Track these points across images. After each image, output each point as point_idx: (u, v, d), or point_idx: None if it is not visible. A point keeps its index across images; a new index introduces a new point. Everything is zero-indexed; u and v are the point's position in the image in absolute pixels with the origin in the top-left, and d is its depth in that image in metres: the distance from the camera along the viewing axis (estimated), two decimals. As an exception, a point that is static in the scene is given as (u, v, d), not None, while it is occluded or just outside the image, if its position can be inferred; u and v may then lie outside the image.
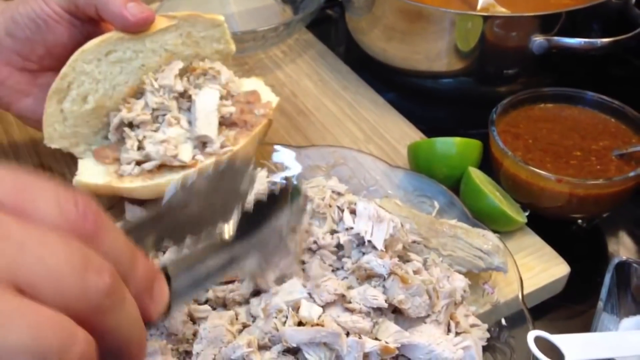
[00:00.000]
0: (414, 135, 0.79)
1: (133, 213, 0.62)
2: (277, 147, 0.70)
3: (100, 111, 0.62)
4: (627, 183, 0.62)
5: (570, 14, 0.73)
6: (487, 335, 0.53)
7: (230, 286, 0.53)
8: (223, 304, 0.52)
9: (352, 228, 0.53)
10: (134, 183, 0.59)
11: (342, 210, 0.55)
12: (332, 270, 0.54)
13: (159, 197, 0.58)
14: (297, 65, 0.90)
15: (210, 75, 0.64)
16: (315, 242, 0.54)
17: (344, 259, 0.54)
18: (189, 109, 0.63)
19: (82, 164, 0.62)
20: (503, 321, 0.54)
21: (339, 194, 0.58)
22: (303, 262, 0.55)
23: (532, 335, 0.48)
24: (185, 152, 0.60)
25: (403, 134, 0.79)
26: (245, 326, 0.50)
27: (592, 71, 0.85)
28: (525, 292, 0.55)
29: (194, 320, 0.51)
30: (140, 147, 0.60)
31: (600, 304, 0.55)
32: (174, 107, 0.62)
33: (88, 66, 0.59)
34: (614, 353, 0.51)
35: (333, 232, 0.55)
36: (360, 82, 0.87)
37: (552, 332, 0.50)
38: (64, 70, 0.59)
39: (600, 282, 0.56)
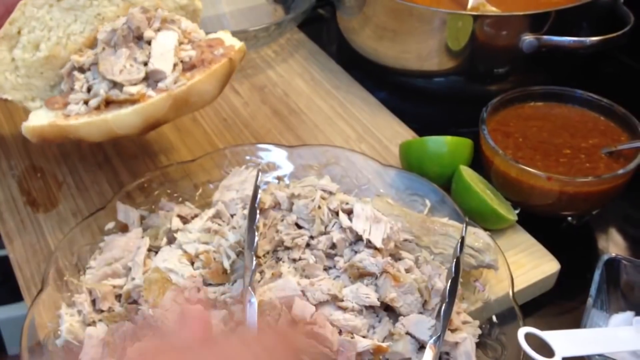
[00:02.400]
0: (405, 134, 0.79)
1: (125, 214, 0.62)
2: (269, 146, 0.70)
3: (55, 62, 0.60)
4: (616, 180, 0.62)
5: (559, 13, 0.74)
6: (479, 332, 0.53)
7: (221, 288, 0.53)
8: (214, 305, 0.52)
9: (349, 228, 0.54)
10: (79, 120, 0.56)
11: (337, 212, 0.55)
12: (324, 269, 0.54)
13: (107, 135, 0.56)
14: (289, 64, 0.90)
15: (169, 20, 0.62)
16: (308, 243, 0.54)
17: (336, 258, 0.55)
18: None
19: (32, 114, 0.60)
20: (494, 318, 0.55)
21: (331, 193, 0.59)
22: (295, 260, 0.55)
23: (522, 331, 0.49)
24: (133, 86, 0.57)
25: (395, 132, 0.79)
26: (239, 325, 0.50)
27: (582, 69, 0.86)
28: (515, 289, 0.56)
29: (187, 320, 0.51)
30: (89, 90, 0.59)
31: (590, 301, 0.55)
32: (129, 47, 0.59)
33: (39, 11, 0.57)
34: (604, 349, 0.52)
35: (321, 233, 0.55)
36: (351, 81, 0.88)
37: (542, 328, 0.50)
38: (13, 14, 0.57)
39: (590, 279, 0.57)
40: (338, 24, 0.93)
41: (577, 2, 0.76)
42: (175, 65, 0.59)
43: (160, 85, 0.58)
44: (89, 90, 0.59)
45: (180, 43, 0.61)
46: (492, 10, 0.89)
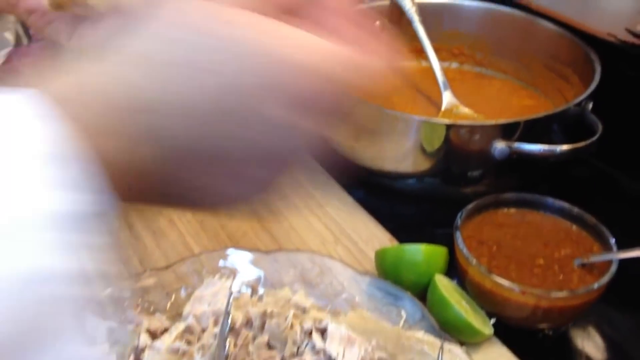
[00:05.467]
0: (382, 236, 0.79)
1: (93, 326, 0.60)
2: (244, 252, 0.70)
3: None
4: (591, 295, 0.62)
5: (529, 123, 0.76)
6: None
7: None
8: None
9: (322, 350, 0.53)
10: None
11: (310, 333, 0.55)
12: (296, 393, 0.53)
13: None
14: (267, 163, 0.91)
15: None
16: None
17: (309, 380, 0.53)
18: None
19: None
20: None
21: (304, 310, 0.58)
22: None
23: None
24: None
25: (371, 234, 0.79)
26: None
27: (554, 172, 0.87)
28: (492, 411, 0.55)
29: None
30: None
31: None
32: None
33: None
34: None
35: (293, 355, 0.54)
36: (329, 180, 0.88)
37: None
38: None
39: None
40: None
41: (547, 112, 0.79)
42: None
43: None
44: None
45: None
46: (465, 112, 0.92)
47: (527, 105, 0.95)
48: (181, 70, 0.31)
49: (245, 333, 0.55)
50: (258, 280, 0.68)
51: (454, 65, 1.05)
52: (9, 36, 0.79)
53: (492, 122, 0.77)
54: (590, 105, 0.83)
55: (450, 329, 0.62)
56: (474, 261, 0.65)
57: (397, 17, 1.00)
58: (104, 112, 0.30)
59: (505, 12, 0.96)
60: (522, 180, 0.83)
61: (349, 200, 0.85)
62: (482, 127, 0.77)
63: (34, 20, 0.67)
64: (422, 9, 0.98)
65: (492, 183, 0.82)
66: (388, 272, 0.69)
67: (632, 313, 0.73)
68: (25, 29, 0.79)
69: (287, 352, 0.54)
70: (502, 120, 0.76)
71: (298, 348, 0.54)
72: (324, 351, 0.53)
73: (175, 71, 0.31)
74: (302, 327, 0.55)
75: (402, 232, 0.78)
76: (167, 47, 0.31)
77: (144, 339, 0.57)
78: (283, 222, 0.81)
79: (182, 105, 0.31)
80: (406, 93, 1.00)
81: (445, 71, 0.96)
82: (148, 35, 0.32)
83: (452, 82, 0.95)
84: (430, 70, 0.95)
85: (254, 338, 0.55)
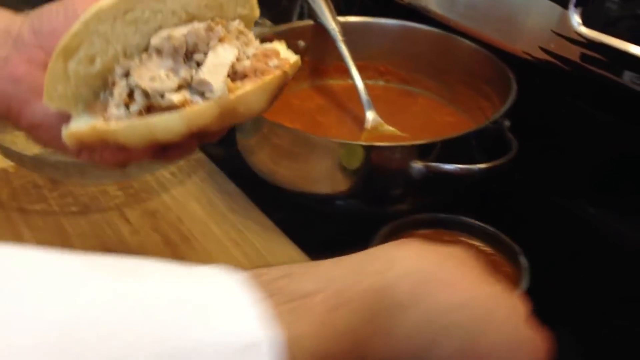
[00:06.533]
0: (300, 259, 0.77)
1: None
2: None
3: (106, 74, 0.56)
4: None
5: (445, 143, 0.76)
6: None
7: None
8: None
9: None
10: (119, 125, 0.53)
11: None
12: None
13: (147, 141, 0.53)
14: (186, 187, 0.88)
15: (232, 34, 0.58)
16: None
17: None
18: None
19: (74, 119, 0.56)
20: None
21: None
22: None
23: None
24: (173, 94, 0.54)
25: (289, 258, 0.77)
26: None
27: (473, 191, 0.87)
28: None
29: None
30: (131, 95, 0.54)
31: None
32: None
33: (102, 26, 0.53)
34: None
35: None
36: (249, 204, 0.86)
37: None
38: (75, 28, 0.53)
39: None
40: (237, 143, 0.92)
41: (463, 131, 0.79)
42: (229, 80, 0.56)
43: (207, 94, 0.54)
44: (130, 95, 0.55)
45: (238, 59, 0.57)
46: (389, 129, 0.91)
47: (449, 123, 0.95)
48: None
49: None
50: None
51: (381, 83, 1.05)
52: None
53: (409, 142, 0.76)
54: (508, 123, 0.83)
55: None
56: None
57: (321, 36, 0.99)
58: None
59: (424, 30, 0.96)
60: (441, 199, 0.82)
61: (269, 224, 0.83)
62: (400, 148, 0.76)
63: (38, 135, 0.59)
64: (346, 28, 0.97)
65: (413, 202, 0.81)
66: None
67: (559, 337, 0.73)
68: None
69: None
70: (419, 141, 0.76)
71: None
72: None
73: None
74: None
75: (323, 253, 0.77)
76: None
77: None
78: (198, 249, 0.78)
79: None
80: (332, 112, 0.99)
81: (371, 89, 0.96)
82: None
83: (377, 100, 0.95)
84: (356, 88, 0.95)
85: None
